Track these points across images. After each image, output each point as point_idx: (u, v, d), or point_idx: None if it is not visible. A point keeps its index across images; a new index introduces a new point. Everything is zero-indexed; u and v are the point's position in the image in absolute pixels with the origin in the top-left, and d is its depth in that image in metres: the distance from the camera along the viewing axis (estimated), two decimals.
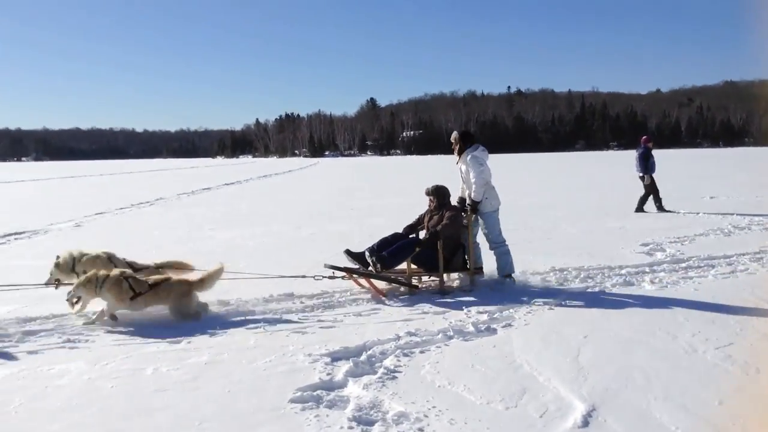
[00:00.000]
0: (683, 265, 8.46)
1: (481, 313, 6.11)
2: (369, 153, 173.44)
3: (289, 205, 19.80)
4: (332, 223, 14.13)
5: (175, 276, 6.64)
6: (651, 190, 15.00)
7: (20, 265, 9.38)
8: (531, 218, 14.26)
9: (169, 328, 5.88)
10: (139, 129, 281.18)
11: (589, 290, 7.16)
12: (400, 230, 7.77)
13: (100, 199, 23.89)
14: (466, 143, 7.79)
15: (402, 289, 7.22)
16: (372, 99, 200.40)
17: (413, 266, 7.50)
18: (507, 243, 7.64)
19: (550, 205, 17.78)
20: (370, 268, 7.10)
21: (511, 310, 6.21)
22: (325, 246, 10.48)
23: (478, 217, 7.66)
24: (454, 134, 7.98)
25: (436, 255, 7.23)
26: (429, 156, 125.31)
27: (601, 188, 24.77)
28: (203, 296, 6.45)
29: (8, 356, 5.11)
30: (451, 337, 5.35)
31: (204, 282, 6.41)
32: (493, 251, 7.64)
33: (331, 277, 7.26)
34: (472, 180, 7.56)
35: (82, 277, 6.27)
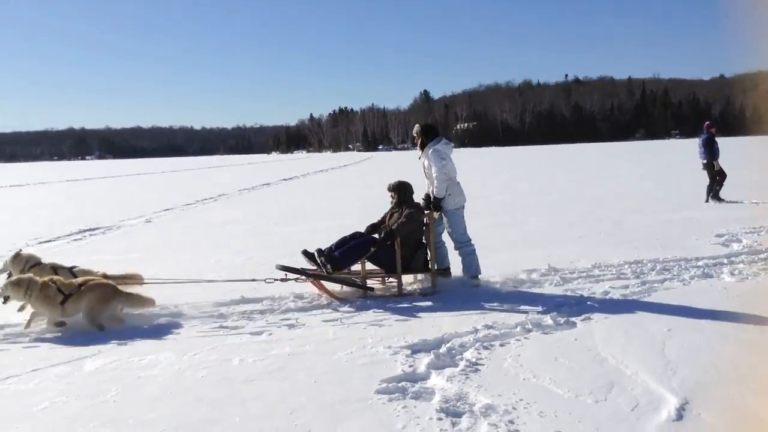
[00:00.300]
0: (762, 256, 8.18)
1: (558, 306, 6.05)
2: None
3: (349, 199, 19.94)
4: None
5: (102, 279, 6.40)
6: (718, 175, 14.53)
7: (99, 260, 9.71)
8: (598, 209, 14.02)
9: (250, 321, 6.02)
10: (197, 126, 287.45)
11: (668, 282, 6.98)
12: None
13: (165, 195, 24.57)
14: (429, 137, 7.41)
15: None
16: (425, 91, 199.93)
17: (375, 267, 7.15)
18: (472, 243, 7.24)
19: (617, 195, 17.44)
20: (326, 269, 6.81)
21: (589, 303, 6.13)
22: None
23: (443, 216, 7.30)
24: (416, 127, 7.59)
25: (394, 255, 6.88)
26: (483, 148, 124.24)
27: (667, 178, 24.14)
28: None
29: (100, 347, 5.31)
30: (529, 330, 5.31)
31: (132, 298, 6.23)
32: (457, 251, 7.24)
33: (283, 280, 6.81)
34: (434, 175, 7.20)
35: (14, 277, 6.22)
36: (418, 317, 5.97)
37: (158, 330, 5.77)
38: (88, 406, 4.05)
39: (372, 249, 6.92)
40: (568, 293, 6.60)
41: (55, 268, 6.86)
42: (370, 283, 7.08)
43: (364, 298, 6.73)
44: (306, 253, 7.01)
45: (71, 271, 6.87)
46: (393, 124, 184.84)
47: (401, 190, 7.30)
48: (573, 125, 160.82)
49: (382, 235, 7.00)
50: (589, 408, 3.81)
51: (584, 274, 7.49)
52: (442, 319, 5.85)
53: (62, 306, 5.89)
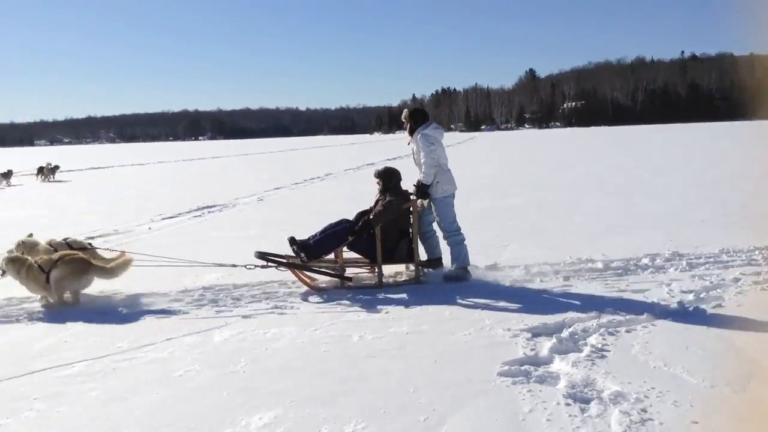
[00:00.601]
0: None
1: (685, 292, 5.75)
2: (527, 126, 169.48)
3: (457, 179, 19.76)
4: (504, 198, 13.95)
5: (80, 254, 6.49)
6: None
7: (220, 236, 10.17)
8: (722, 191, 13.23)
9: (369, 298, 6.10)
10: (302, 108, 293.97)
11: None
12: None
13: (274, 174, 25.35)
14: (418, 121, 7.00)
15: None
16: (531, 70, 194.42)
17: (357, 255, 6.89)
18: (462, 232, 6.84)
19: (741, 177, 16.35)
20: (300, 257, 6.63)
21: (719, 290, 5.79)
22: (496, 222, 10.40)
23: (431, 204, 6.92)
24: (405, 112, 7.21)
25: (375, 244, 6.58)
26: (591, 128, 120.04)
27: None
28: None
29: (226, 319, 5.55)
30: (657, 317, 5.08)
31: (107, 270, 6.31)
32: (446, 241, 6.86)
33: (263, 267, 6.61)
34: (422, 161, 6.83)
35: (13, 254, 6.42)
36: (537, 299, 5.85)
37: (278, 305, 5.96)
38: (220, 375, 4.24)
39: (349, 238, 6.66)
40: (696, 279, 6.26)
41: (53, 245, 6.92)
42: (348, 272, 6.78)
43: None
44: (293, 241, 6.78)
45: (67, 244, 6.98)
46: (496, 104, 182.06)
47: (386, 177, 7.01)
48: (689, 104, 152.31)
49: (360, 224, 6.76)
50: (726, 398, 3.61)
51: (711, 259, 7.08)
52: (561, 302, 5.70)
53: (48, 283, 6.05)
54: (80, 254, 6.51)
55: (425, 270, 6.88)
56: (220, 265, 6.97)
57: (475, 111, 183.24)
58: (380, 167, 7.28)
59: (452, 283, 6.53)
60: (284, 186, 19.31)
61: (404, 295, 6.17)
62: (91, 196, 18.83)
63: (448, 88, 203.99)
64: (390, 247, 6.68)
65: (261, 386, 4.03)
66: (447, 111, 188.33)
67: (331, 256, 6.82)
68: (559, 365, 4.20)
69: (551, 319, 5.13)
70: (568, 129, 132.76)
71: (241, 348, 4.78)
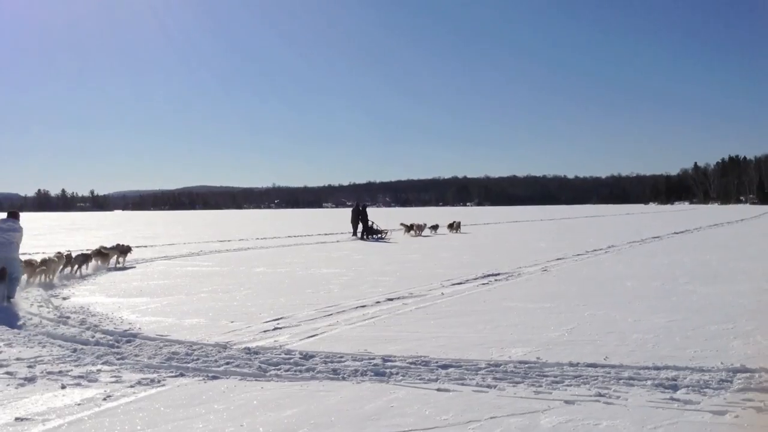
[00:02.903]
0: None
1: None
2: None
3: (761, 260, 17.38)
4: None
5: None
6: None
7: (515, 306, 9.96)
8: None
9: (704, 396, 5.34)
10: (570, 176, 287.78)
11: None
12: None
13: (553, 243, 24.78)
14: None
15: None
16: None
17: None
18: None
19: None
20: None
21: None
22: None
23: None
24: None
25: None
26: None
27: None
28: None
29: (549, 403, 5.22)
30: None
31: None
32: None
33: None
34: None
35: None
36: None
37: (602, 391, 5.47)
38: None
39: None
40: None
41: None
42: None
43: None
44: None
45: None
46: None
47: None
48: None
49: None
50: None
51: None
52: None
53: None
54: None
55: None
56: None
57: None
58: None
59: None
60: (566, 257, 18.67)
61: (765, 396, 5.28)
62: (385, 258, 20.04)
63: (737, 155, 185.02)
64: None
65: None
66: (736, 181, 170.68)
67: None
68: None
69: None
70: None
71: None
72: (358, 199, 35.87)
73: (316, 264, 17.82)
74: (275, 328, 8.45)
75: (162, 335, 7.99)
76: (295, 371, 6.28)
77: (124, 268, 17.00)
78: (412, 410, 5.04)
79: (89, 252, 16.63)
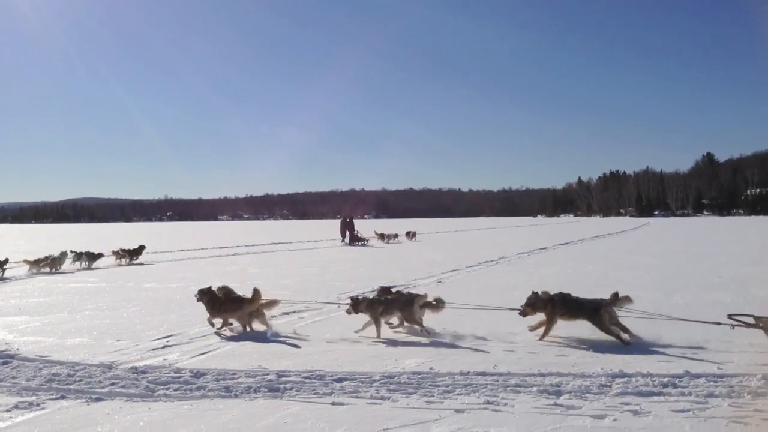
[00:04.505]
0: None
1: None
2: (705, 213, 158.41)
3: (645, 269, 18.56)
4: (707, 293, 12.76)
5: None
6: None
7: None
8: None
9: (585, 401, 5.63)
10: (464, 189, 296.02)
11: None
12: None
13: (448, 255, 25.36)
14: None
15: None
16: (708, 154, 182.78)
17: None
18: None
19: None
20: None
21: None
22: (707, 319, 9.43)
23: None
24: None
25: None
26: None
27: None
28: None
29: (440, 413, 5.33)
30: None
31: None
32: None
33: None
34: None
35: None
36: None
37: (490, 399, 5.66)
38: None
39: None
40: None
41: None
42: None
43: None
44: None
45: None
46: (671, 189, 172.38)
47: None
48: None
49: None
50: None
51: None
52: None
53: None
54: None
55: None
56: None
57: (648, 195, 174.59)
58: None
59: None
60: (459, 269, 19.16)
61: (628, 400, 5.62)
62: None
63: (617, 171, 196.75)
64: None
65: None
66: (616, 195, 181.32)
67: None
68: None
69: None
70: (753, 217, 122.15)
71: None
72: (346, 211, 41.88)
73: (210, 279, 17.37)
74: (164, 346, 8.17)
75: (42, 356, 7.54)
76: (185, 390, 6.10)
77: None
78: (305, 426, 5.02)
79: None
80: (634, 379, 6.18)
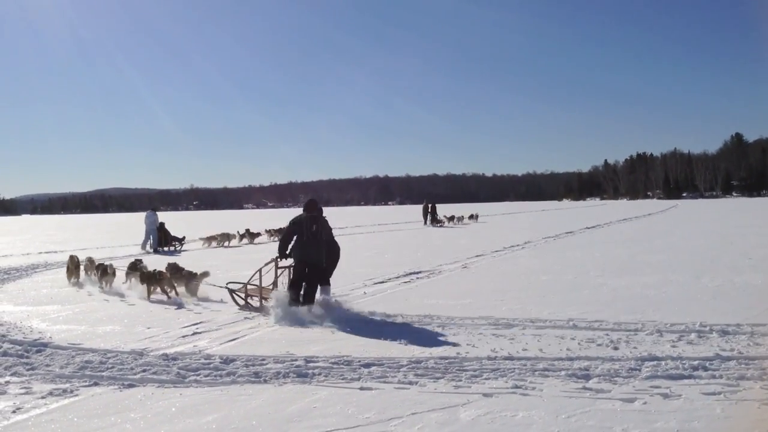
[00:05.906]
0: None
1: None
2: (734, 194, 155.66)
3: (673, 251, 18.34)
4: (738, 275, 12.57)
5: None
6: None
7: (435, 303, 10.12)
8: None
9: (615, 384, 5.60)
10: (488, 174, 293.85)
11: None
12: None
13: (474, 242, 25.28)
14: None
15: None
16: (737, 134, 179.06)
17: None
18: None
19: None
20: None
21: None
22: (738, 300, 9.31)
23: None
24: None
25: None
26: None
27: None
28: None
29: (468, 396, 5.34)
30: None
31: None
32: None
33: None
34: None
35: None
36: None
37: (518, 383, 5.65)
38: None
39: None
40: None
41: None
42: None
43: None
44: None
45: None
46: (699, 170, 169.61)
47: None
48: None
49: None
50: None
51: None
52: None
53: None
54: None
55: None
56: None
57: (675, 177, 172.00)
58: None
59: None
60: (485, 253, 19.12)
61: (658, 383, 5.58)
62: None
63: (644, 153, 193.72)
64: None
65: None
66: (643, 177, 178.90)
67: None
68: None
69: None
70: None
71: (493, 431, 4.52)
72: (427, 198, 44.75)
73: (240, 267, 17.54)
74: (194, 333, 8.29)
75: (74, 344, 7.69)
76: (215, 376, 6.18)
77: (31, 276, 16.22)
78: (334, 410, 5.06)
79: None
80: (663, 363, 6.14)
